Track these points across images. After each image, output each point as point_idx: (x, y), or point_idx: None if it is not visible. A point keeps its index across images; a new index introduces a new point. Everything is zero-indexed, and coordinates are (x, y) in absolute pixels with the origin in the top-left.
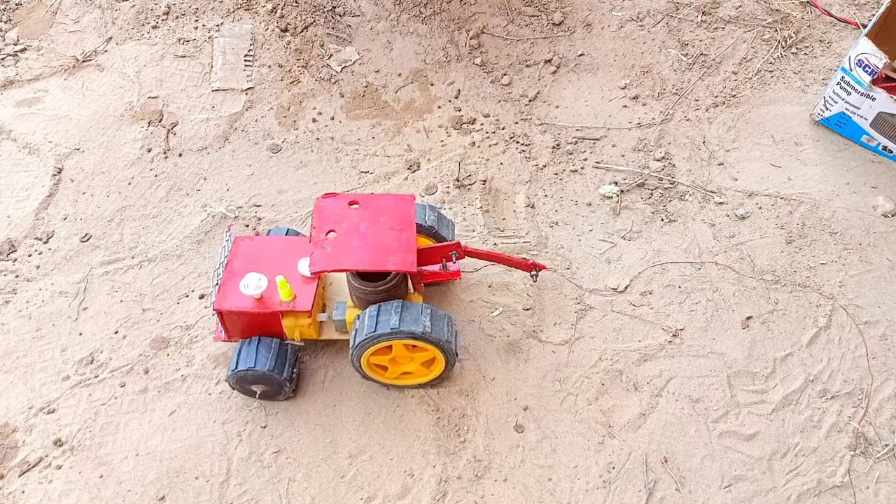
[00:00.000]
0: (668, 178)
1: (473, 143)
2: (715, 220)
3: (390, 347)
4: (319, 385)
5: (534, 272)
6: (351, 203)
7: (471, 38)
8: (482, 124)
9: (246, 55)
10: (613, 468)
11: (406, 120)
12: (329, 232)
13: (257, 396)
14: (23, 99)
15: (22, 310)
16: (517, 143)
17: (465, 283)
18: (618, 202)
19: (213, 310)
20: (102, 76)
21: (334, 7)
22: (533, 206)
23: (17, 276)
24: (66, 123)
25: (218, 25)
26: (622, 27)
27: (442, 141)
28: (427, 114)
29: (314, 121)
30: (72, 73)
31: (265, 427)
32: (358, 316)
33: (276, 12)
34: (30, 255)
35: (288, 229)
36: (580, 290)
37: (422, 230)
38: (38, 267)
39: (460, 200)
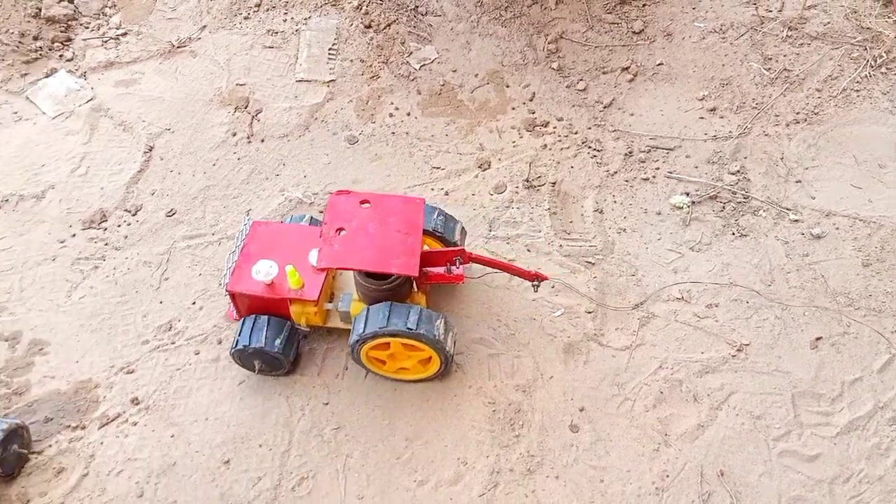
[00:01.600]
0: (742, 192)
1: (545, 145)
2: (789, 237)
3: (388, 344)
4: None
5: (536, 282)
6: (363, 202)
7: (549, 43)
8: (555, 128)
9: (330, 49)
10: (667, 476)
11: (480, 119)
12: (339, 229)
13: (256, 371)
14: (121, 80)
15: (109, 275)
16: (589, 148)
17: (525, 285)
18: (688, 213)
19: (226, 291)
20: (195, 62)
21: (417, 6)
22: (601, 212)
23: (106, 244)
24: (158, 105)
25: (306, 19)
26: (704, 38)
27: (514, 142)
28: (501, 114)
29: (391, 115)
30: (167, 58)
31: (327, 404)
32: (356, 317)
33: (361, 9)
34: (119, 226)
35: (311, 217)
36: (644, 297)
37: (429, 233)
38: (125, 237)
39: (528, 201)
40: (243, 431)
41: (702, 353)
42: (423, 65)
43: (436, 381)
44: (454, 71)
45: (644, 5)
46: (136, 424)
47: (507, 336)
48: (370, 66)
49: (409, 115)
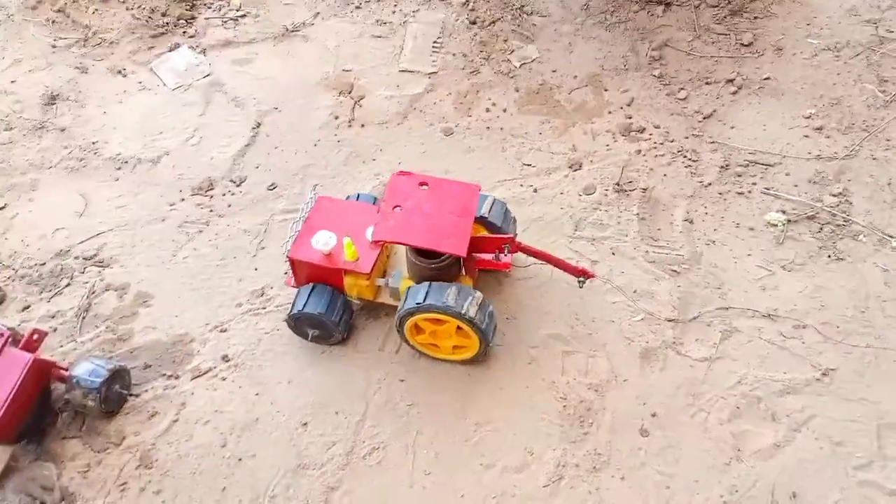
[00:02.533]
0: (843, 214)
1: (639, 151)
2: (890, 265)
3: (434, 320)
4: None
5: (581, 279)
6: (421, 184)
7: (653, 50)
8: (651, 134)
9: (434, 42)
10: (737, 491)
11: (575, 120)
12: (396, 207)
13: (310, 338)
14: (237, 58)
15: (212, 240)
16: (684, 157)
17: (610, 284)
18: (783, 231)
19: (287, 258)
20: (306, 46)
21: (523, 6)
22: (691, 222)
23: (211, 211)
24: (269, 84)
25: (414, 12)
26: (816, 55)
27: (608, 145)
28: (597, 117)
29: (487, 110)
30: (280, 41)
31: (403, 381)
32: (406, 290)
33: (468, 5)
34: (224, 195)
35: (375, 197)
36: (728, 311)
37: (481, 220)
38: (229, 206)
39: (617, 204)
40: (322, 398)
41: (784, 374)
42: (524, 63)
43: (509, 373)
44: (554, 71)
45: (756, 18)
46: (224, 380)
47: (584, 335)
48: (472, 61)
49: (505, 111)
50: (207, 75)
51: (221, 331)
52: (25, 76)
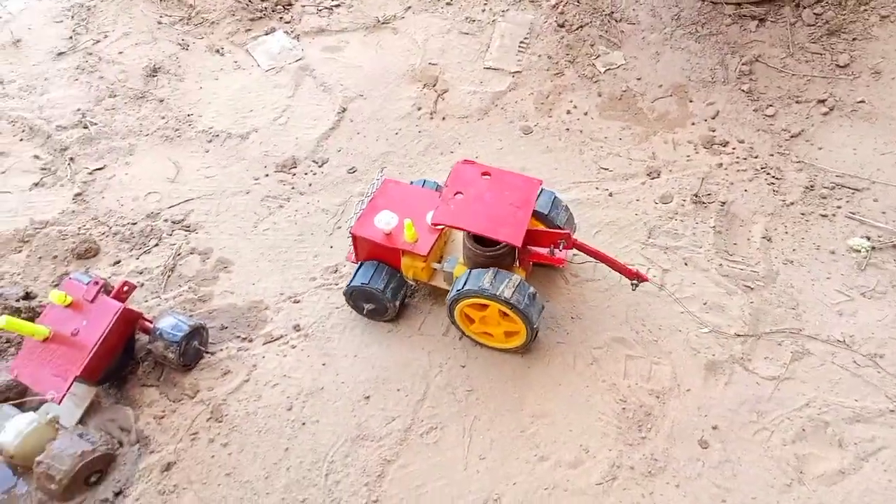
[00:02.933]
0: None
1: (721, 164)
2: None
3: (484, 306)
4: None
5: (635, 282)
6: (484, 173)
7: (743, 64)
8: (734, 149)
9: (521, 42)
10: None
11: (656, 129)
12: (457, 193)
13: (364, 313)
14: (328, 46)
15: (291, 216)
16: (768, 174)
17: (677, 294)
18: (866, 258)
19: (350, 233)
20: (395, 38)
21: (613, 12)
22: (769, 240)
23: (293, 188)
24: (357, 72)
25: (503, 11)
26: None
27: (688, 156)
28: (679, 127)
29: (568, 112)
30: (371, 32)
31: (463, 367)
32: (457, 278)
33: (557, 8)
34: (306, 174)
35: (439, 185)
36: (801, 332)
37: (539, 216)
38: (310, 185)
39: (693, 215)
40: (385, 374)
41: (856, 401)
42: (609, 69)
43: (569, 371)
44: (639, 79)
45: (854, 39)
46: (294, 347)
47: (650, 342)
48: (556, 63)
49: (586, 114)
50: (299, 60)
51: (294, 301)
52: (132, 49)
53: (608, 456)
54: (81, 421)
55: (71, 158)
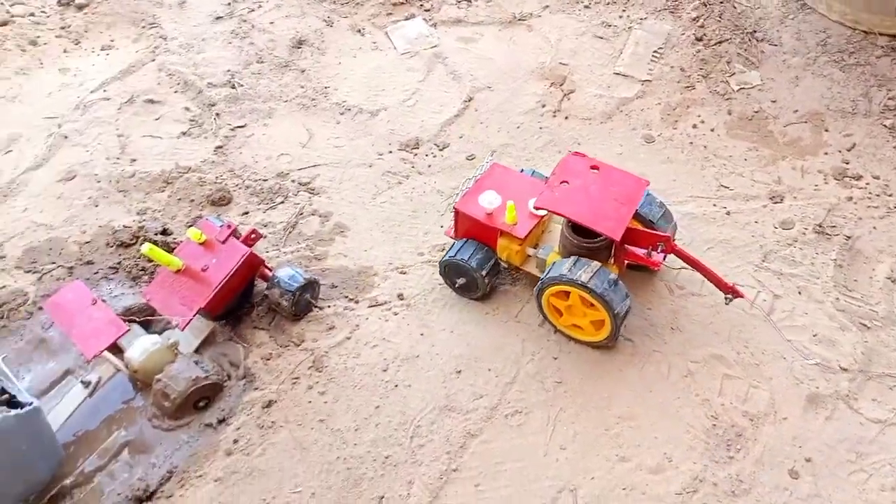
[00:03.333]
0: None
1: (851, 198)
2: None
3: (568, 295)
4: (611, 348)
5: (729, 297)
6: (593, 167)
7: (889, 98)
8: (868, 183)
9: (655, 51)
10: None
11: (785, 154)
12: (563, 182)
13: (455, 287)
14: (462, 36)
15: (408, 193)
16: None
17: (786, 323)
18: None
19: (454, 208)
20: (529, 35)
21: (755, 31)
22: (895, 281)
23: (412, 167)
24: (487, 64)
25: (641, 19)
26: None
27: (816, 185)
28: (810, 156)
29: (694, 126)
30: (506, 27)
31: (556, 358)
32: (553, 262)
33: (697, 21)
34: (426, 155)
35: (546, 177)
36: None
37: (641, 217)
38: (429, 166)
39: (814, 245)
40: (478, 353)
41: None
42: (742, 88)
43: (662, 379)
44: (773, 101)
45: None
46: (396, 314)
47: (750, 364)
48: (689, 76)
49: (712, 130)
50: (434, 47)
51: (401, 272)
52: (282, 20)
53: (692, 468)
54: (197, 350)
55: (217, 114)
